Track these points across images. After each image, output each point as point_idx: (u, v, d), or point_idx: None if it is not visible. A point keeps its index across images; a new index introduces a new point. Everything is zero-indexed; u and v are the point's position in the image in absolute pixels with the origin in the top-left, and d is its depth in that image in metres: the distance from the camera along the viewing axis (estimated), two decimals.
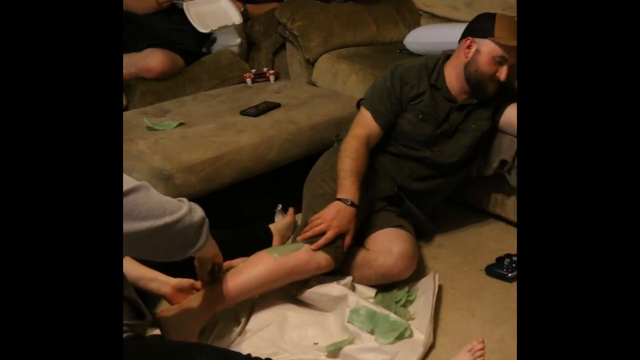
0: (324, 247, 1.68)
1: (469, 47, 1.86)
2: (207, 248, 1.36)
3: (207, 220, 1.32)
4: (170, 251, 1.27)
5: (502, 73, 1.81)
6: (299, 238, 1.74)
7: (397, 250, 1.76)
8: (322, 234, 1.69)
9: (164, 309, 1.60)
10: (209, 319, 1.60)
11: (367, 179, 1.90)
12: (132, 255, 1.51)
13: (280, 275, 1.65)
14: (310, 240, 1.69)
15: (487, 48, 1.82)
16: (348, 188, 1.75)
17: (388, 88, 1.90)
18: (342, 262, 1.75)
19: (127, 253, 1.35)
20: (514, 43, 1.77)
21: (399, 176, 1.94)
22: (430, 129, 1.90)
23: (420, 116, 1.89)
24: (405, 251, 1.77)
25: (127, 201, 1.12)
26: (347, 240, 1.72)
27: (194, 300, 1.57)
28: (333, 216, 1.70)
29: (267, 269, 1.64)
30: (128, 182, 1.15)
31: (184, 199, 1.29)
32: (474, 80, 1.85)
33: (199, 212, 1.29)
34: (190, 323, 1.54)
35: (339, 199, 1.73)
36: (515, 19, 1.85)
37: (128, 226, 1.12)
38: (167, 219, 1.18)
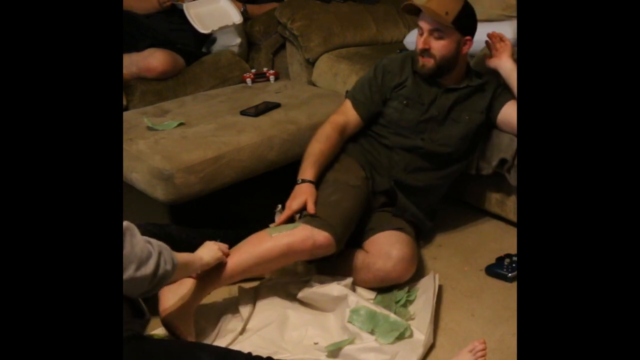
0: (320, 224, 1.67)
1: None
2: (177, 277, 1.42)
3: (174, 269, 1.34)
4: (126, 293, 1.32)
5: (419, 42, 1.83)
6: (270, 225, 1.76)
7: (396, 254, 1.76)
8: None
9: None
10: (207, 294, 1.63)
11: (367, 170, 1.92)
12: None
13: (276, 253, 1.64)
14: (305, 219, 1.70)
15: None
16: (304, 170, 1.82)
17: (370, 78, 1.97)
18: (337, 261, 1.75)
19: None
20: (416, 2, 1.81)
21: (394, 170, 1.94)
22: (416, 114, 1.92)
23: (404, 102, 1.92)
24: (405, 255, 1.77)
25: None
26: (309, 205, 1.72)
27: (191, 278, 1.58)
28: (291, 199, 1.76)
29: (263, 248, 1.65)
30: None
31: (155, 246, 1.30)
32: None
33: (167, 266, 1.31)
34: (187, 296, 1.55)
35: (297, 182, 1.79)
36: None
37: None
38: (130, 274, 1.22)
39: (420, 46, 1.82)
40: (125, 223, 1.21)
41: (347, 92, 2.03)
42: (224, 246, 1.63)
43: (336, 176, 1.84)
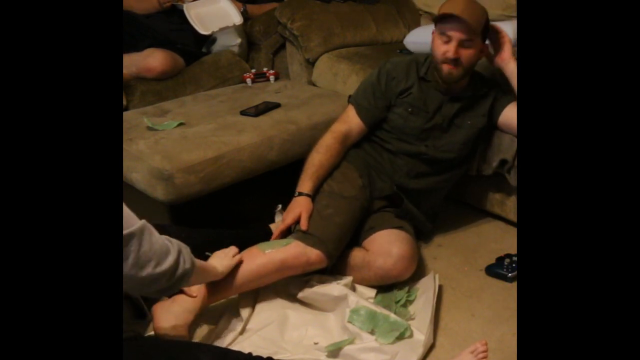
0: (312, 241, 1.68)
1: (432, 40, 1.87)
2: (194, 283, 1.42)
3: (193, 268, 1.33)
4: (146, 293, 1.34)
5: (450, 50, 1.79)
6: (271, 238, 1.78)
7: (396, 252, 1.76)
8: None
9: (158, 302, 1.60)
10: (200, 312, 1.61)
11: (366, 178, 1.91)
12: None
13: (270, 269, 1.66)
14: (297, 235, 1.71)
15: (434, 33, 1.84)
16: (302, 182, 1.82)
17: (373, 83, 1.94)
18: (337, 260, 1.76)
19: None
20: (447, 11, 1.76)
21: (396, 175, 1.94)
22: (421, 121, 1.91)
23: (409, 109, 1.90)
24: (405, 253, 1.77)
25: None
26: (302, 221, 1.73)
27: (184, 295, 1.57)
28: (287, 212, 1.78)
29: (256, 264, 1.65)
30: (125, 224, 1.15)
31: (175, 244, 1.29)
32: (435, 67, 1.86)
33: (186, 264, 1.30)
34: (180, 314, 1.55)
35: (294, 195, 1.81)
36: None
37: None
38: (150, 271, 1.21)
39: (452, 55, 1.78)
40: (142, 222, 1.20)
41: (349, 97, 2.01)
42: (233, 249, 1.64)
43: (332, 186, 1.84)
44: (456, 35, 1.77)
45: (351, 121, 1.94)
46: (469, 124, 1.93)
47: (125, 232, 1.14)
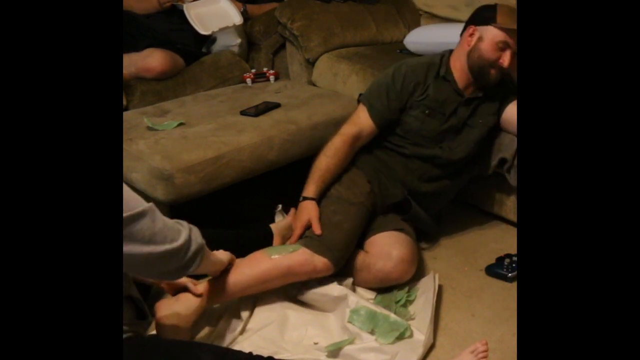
0: (319, 249, 1.67)
1: (471, 35, 1.86)
2: (203, 268, 1.42)
3: (204, 246, 1.36)
4: (162, 274, 1.34)
5: (505, 59, 1.81)
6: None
7: (396, 255, 1.76)
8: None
9: (161, 300, 1.61)
10: (202, 312, 1.61)
11: (375, 184, 1.91)
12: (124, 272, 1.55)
13: (275, 275, 1.65)
14: (305, 241, 1.70)
15: (489, 34, 1.82)
16: (308, 186, 1.81)
17: (388, 84, 1.90)
18: (342, 265, 1.75)
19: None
20: (515, 25, 1.78)
21: (408, 179, 1.93)
22: (437, 123, 1.90)
23: (426, 112, 1.89)
24: (405, 256, 1.77)
25: (132, 228, 1.16)
26: (314, 227, 1.72)
27: (189, 294, 1.58)
28: (294, 218, 1.78)
29: (261, 269, 1.65)
30: (135, 204, 1.18)
31: (184, 223, 1.32)
32: (476, 67, 1.85)
33: (198, 239, 1.33)
34: (183, 312, 1.55)
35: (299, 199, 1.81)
36: (516, 7, 1.86)
37: (128, 248, 1.16)
38: (167, 247, 1.23)
39: (507, 65, 1.81)
40: (150, 204, 1.22)
41: (360, 95, 1.97)
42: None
43: (340, 192, 1.83)
44: (514, 45, 1.81)
45: (362, 122, 1.90)
46: (481, 123, 1.93)
47: (137, 210, 1.16)
